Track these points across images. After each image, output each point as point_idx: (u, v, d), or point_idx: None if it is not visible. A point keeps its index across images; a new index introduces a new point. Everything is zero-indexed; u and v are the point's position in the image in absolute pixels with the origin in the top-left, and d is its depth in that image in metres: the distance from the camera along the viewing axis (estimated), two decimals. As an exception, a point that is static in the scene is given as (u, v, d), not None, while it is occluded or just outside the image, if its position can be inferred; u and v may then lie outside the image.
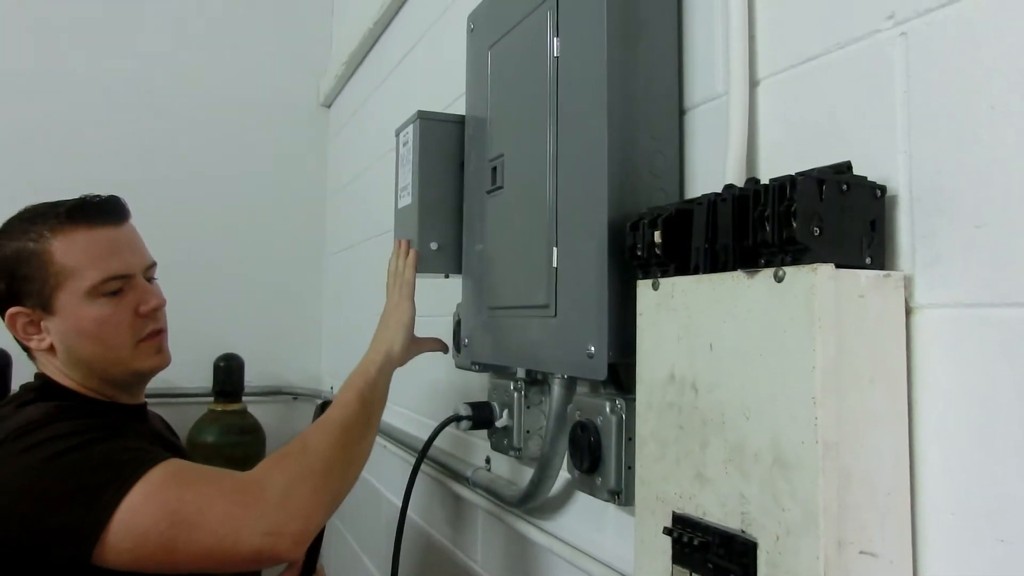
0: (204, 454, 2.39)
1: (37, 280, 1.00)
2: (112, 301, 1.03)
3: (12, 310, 1.02)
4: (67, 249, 1.01)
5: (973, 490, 0.53)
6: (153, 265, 1.12)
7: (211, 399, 2.52)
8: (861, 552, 0.52)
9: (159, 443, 1.08)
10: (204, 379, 2.52)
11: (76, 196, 1.07)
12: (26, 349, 1.07)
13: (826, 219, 0.57)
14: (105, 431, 0.93)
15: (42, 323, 1.02)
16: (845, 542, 0.51)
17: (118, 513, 0.83)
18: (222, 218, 2.69)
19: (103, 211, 1.06)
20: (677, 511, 0.65)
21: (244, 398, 2.56)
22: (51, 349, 1.03)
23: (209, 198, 2.67)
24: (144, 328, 1.06)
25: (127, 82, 2.59)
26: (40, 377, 1.07)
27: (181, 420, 2.43)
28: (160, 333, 1.09)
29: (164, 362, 1.10)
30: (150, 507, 0.84)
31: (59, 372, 1.05)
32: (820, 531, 0.51)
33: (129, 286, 1.05)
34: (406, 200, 1.22)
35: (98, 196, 1.08)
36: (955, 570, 0.54)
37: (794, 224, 0.56)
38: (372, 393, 1.05)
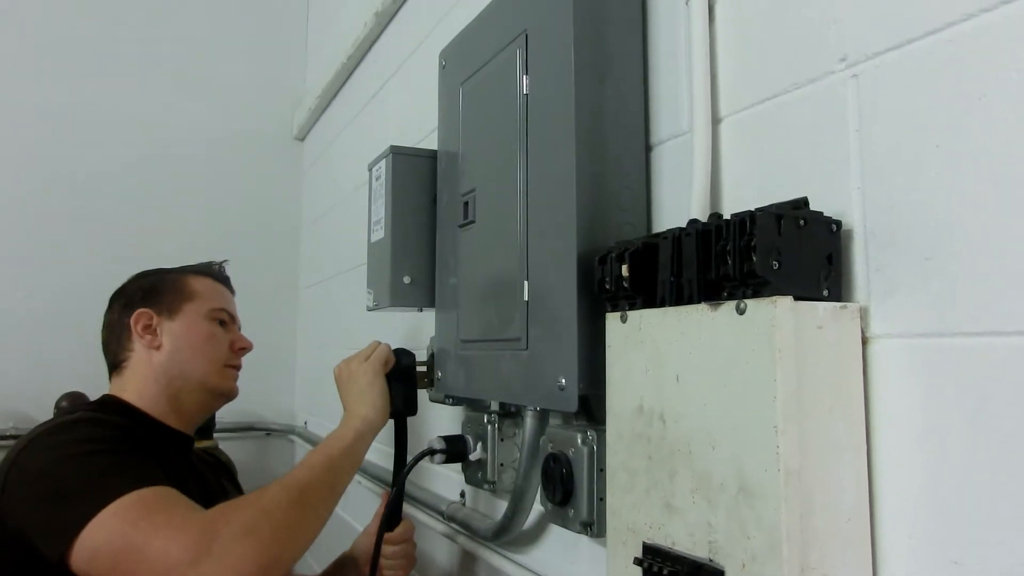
0: (174, 492, 2.35)
1: (171, 293, 1.26)
2: (219, 329, 1.27)
3: (140, 310, 1.23)
4: (198, 283, 1.30)
5: (928, 514, 0.54)
6: (240, 327, 1.38)
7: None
8: (824, 578, 0.53)
9: (192, 479, 1.19)
10: (175, 415, 2.48)
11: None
12: (119, 363, 1.23)
13: (785, 253, 0.59)
14: (123, 443, 1.03)
15: (159, 327, 1.23)
16: (808, 567, 0.53)
17: (90, 523, 0.88)
18: (195, 251, 2.64)
19: (224, 277, 1.38)
20: (647, 541, 0.66)
21: (216, 434, 2.53)
22: (158, 347, 1.22)
23: (182, 230, 2.66)
24: (233, 360, 1.29)
25: (100, 114, 2.58)
26: (104, 399, 1.22)
27: (151, 457, 2.39)
28: (239, 368, 1.31)
29: (235, 390, 1.30)
30: (111, 524, 0.88)
31: (138, 381, 1.20)
32: (784, 558, 0.52)
33: (231, 326, 1.32)
34: (379, 234, 1.23)
35: (223, 266, 1.41)
36: (914, 593, 0.55)
37: (754, 258, 0.58)
38: (344, 460, 1.04)
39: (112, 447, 1.00)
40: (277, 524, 0.90)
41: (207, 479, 1.28)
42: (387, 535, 1.20)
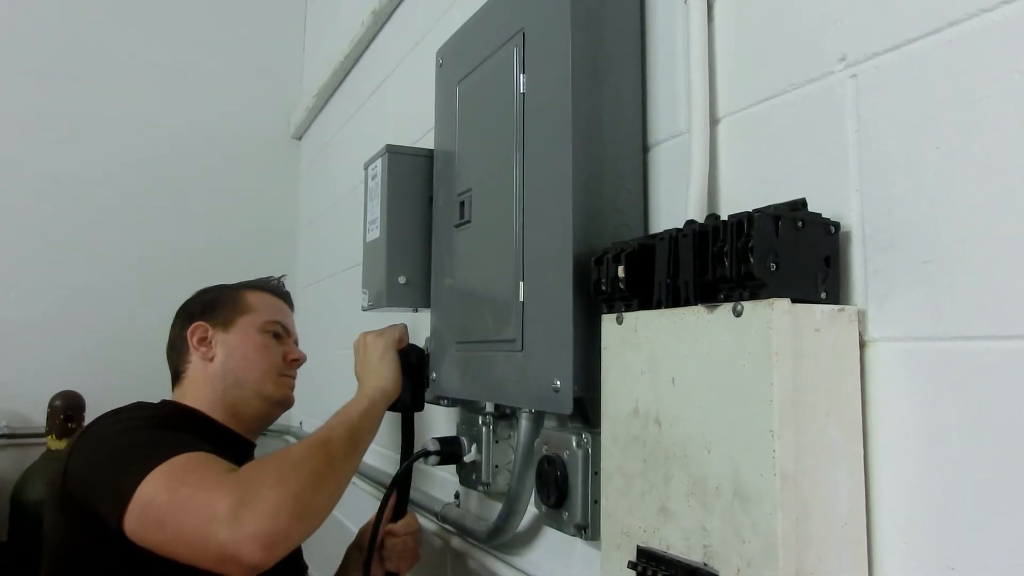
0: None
1: (228, 307, 1.31)
2: (273, 341, 1.31)
3: (196, 323, 1.28)
4: (255, 297, 1.34)
5: (924, 519, 0.54)
6: (297, 342, 1.41)
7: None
8: (820, 584, 0.53)
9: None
10: (170, 414, 2.47)
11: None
12: (179, 373, 1.29)
13: (782, 255, 0.58)
14: (173, 424, 1.11)
15: (214, 339, 1.27)
16: (804, 573, 0.52)
17: (143, 482, 0.92)
18: (192, 251, 2.66)
19: (283, 292, 1.43)
20: (642, 545, 0.65)
21: (211, 433, 2.52)
22: (211, 359, 1.26)
23: (180, 231, 2.65)
24: (286, 370, 1.32)
25: (96, 115, 2.58)
26: (164, 401, 1.26)
27: (145, 457, 2.38)
28: (294, 379, 1.35)
29: (291, 400, 1.33)
30: (161, 480, 0.92)
31: (197, 389, 1.25)
32: (779, 563, 0.51)
33: (286, 339, 1.35)
34: (374, 234, 1.22)
35: (282, 281, 1.46)
36: (910, 599, 0.54)
37: (752, 260, 0.57)
38: (362, 421, 1.08)
39: (163, 424, 1.09)
40: (306, 473, 0.94)
41: None
42: (391, 526, 1.21)
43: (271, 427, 2.75)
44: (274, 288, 1.41)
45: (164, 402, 1.26)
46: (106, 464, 0.99)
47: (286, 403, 1.32)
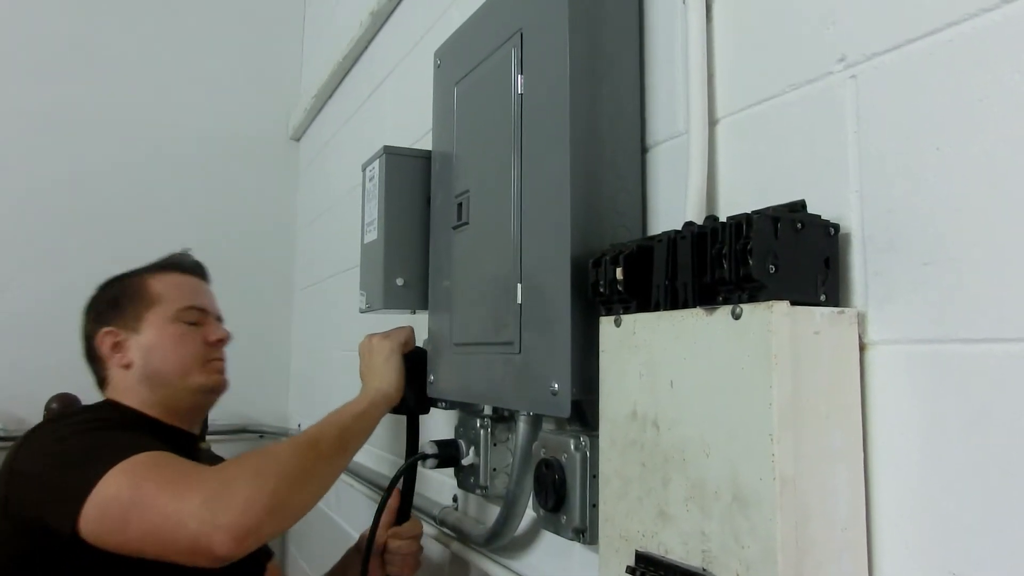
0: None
1: (134, 302, 1.23)
2: (190, 328, 1.24)
3: (105, 329, 1.21)
4: (161, 283, 1.25)
5: (925, 523, 0.53)
6: (222, 319, 1.34)
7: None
8: (819, 589, 0.52)
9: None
10: (167, 417, 2.46)
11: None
12: (102, 377, 1.24)
13: (781, 257, 0.57)
14: (123, 425, 1.10)
15: (127, 342, 1.21)
16: (804, 579, 0.52)
17: (97, 484, 0.91)
18: (191, 252, 2.65)
19: (192, 266, 1.33)
20: (640, 549, 0.64)
21: (208, 437, 2.50)
22: (128, 366, 1.20)
23: (177, 231, 2.62)
24: (211, 354, 1.26)
25: (93, 115, 2.57)
26: (104, 401, 1.22)
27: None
28: (222, 360, 1.28)
29: (224, 384, 1.28)
30: (120, 479, 0.91)
31: (126, 391, 1.20)
32: (779, 568, 0.51)
33: (204, 321, 1.27)
34: (372, 235, 1.21)
35: (190, 253, 1.36)
36: (912, 606, 0.54)
37: (750, 262, 0.57)
38: (356, 423, 1.06)
39: (112, 425, 1.06)
40: (286, 469, 0.93)
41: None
42: (395, 529, 1.20)
43: (269, 429, 2.78)
44: (181, 264, 1.32)
45: (106, 402, 1.22)
46: (54, 469, 0.97)
47: (218, 389, 1.27)
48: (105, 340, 1.21)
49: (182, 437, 1.22)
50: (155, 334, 1.21)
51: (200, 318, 1.26)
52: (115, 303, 1.24)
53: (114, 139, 2.59)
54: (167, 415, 1.21)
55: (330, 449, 1.00)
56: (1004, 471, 0.49)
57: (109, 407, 1.20)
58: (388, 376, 1.13)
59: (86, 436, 1.01)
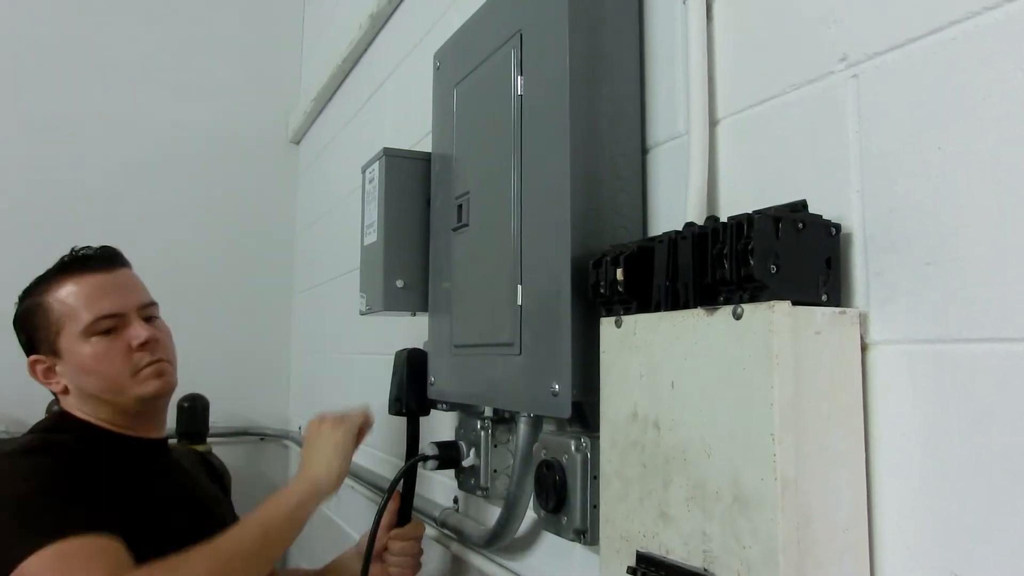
0: (166, 496, 2.33)
1: (43, 329, 1.13)
2: (106, 339, 1.12)
3: (32, 358, 1.16)
4: (62, 298, 1.13)
5: (927, 523, 0.53)
6: (151, 304, 1.21)
7: (175, 440, 2.46)
8: (822, 590, 0.52)
9: (160, 481, 1.16)
10: (168, 420, 2.46)
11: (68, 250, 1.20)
12: (55, 395, 1.18)
13: (783, 257, 0.57)
14: (71, 477, 1.00)
15: (55, 368, 1.14)
16: (805, 580, 0.51)
17: (32, 557, 0.88)
18: (189, 255, 2.66)
19: (90, 261, 1.17)
20: (641, 550, 0.64)
21: (209, 439, 2.51)
22: (66, 391, 1.14)
23: (177, 234, 2.64)
24: (140, 361, 1.14)
25: (93, 117, 2.57)
26: (59, 412, 1.17)
27: (143, 462, 2.37)
28: (159, 362, 1.16)
29: (166, 386, 1.17)
30: (50, 562, 0.88)
31: (77, 408, 1.14)
32: (780, 568, 0.51)
33: (123, 324, 1.14)
34: (372, 237, 1.21)
35: (87, 248, 1.19)
36: (914, 606, 0.54)
37: (751, 262, 0.57)
38: (282, 526, 1.02)
39: (55, 485, 0.97)
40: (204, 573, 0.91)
41: (179, 481, 1.23)
42: (396, 531, 1.19)
43: (269, 431, 2.78)
44: (73, 266, 1.16)
45: (61, 416, 1.16)
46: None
47: (159, 395, 1.16)
48: (36, 368, 1.16)
49: (145, 448, 1.17)
50: (76, 360, 1.12)
51: (116, 324, 1.14)
52: (30, 330, 1.16)
53: (114, 141, 2.59)
54: (123, 426, 1.15)
55: (248, 565, 0.97)
56: (1006, 471, 0.49)
57: (64, 424, 1.14)
58: (330, 462, 1.07)
59: (36, 498, 0.95)
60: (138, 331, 1.14)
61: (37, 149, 2.49)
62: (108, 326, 1.12)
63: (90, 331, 1.11)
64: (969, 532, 0.50)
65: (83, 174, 2.54)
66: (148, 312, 1.20)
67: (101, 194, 2.55)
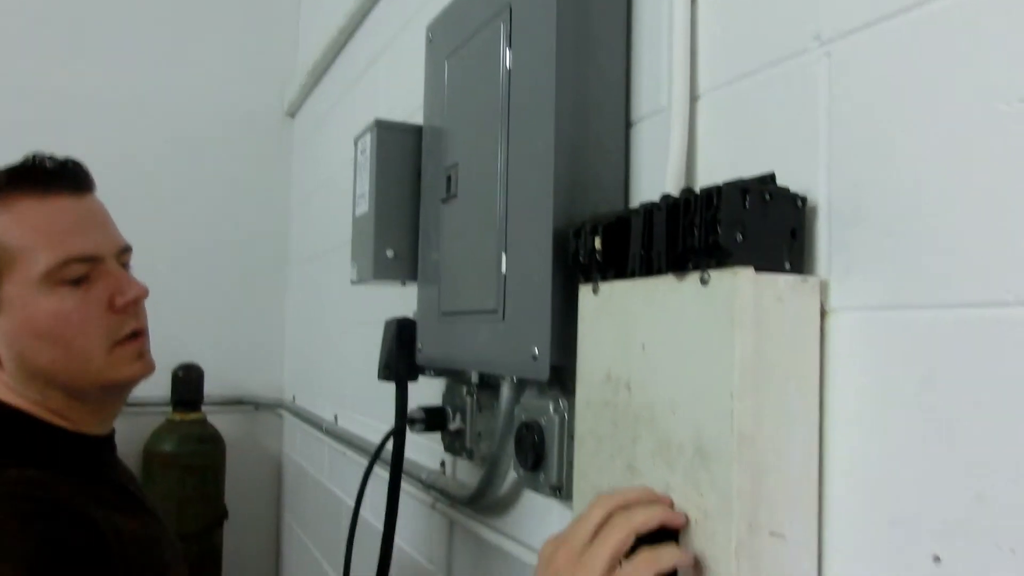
0: (161, 463, 2.38)
1: None
2: (77, 292, 0.81)
3: None
4: (12, 224, 0.80)
5: (872, 478, 0.57)
6: (128, 250, 0.91)
7: (169, 409, 2.50)
8: (771, 534, 0.55)
9: (120, 492, 0.89)
10: (162, 388, 2.49)
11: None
12: None
13: (749, 226, 0.60)
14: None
15: None
16: (756, 525, 0.55)
17: None
18: (184, 226, 2.68)
19: (59, 176, 0.86)
20: (611, 504, 0.68)
21: (204, 408, 2.55)
22: None
23: (171, 206, 2.66)
24: (121, 328, 0.84)
25: (84, 91, 2.56)
26: None
27: (138, 429, 2.41)
28: (142, 335, 0.88)
29: (147, 370, 0.88)
30: None
31: (7, 389, 0.82)
32: (734, 514, 0.54)
33: (98, 273, 0.84)
34: (363, 208, 1.24)
35: (51, 156, 0.88)
36: (854, 547, 0.58)
37: (719, 230, 0.60)
38: None
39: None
40: None
41: (128, 487, 0.93)
42: None
43: (264, 401, 2.82)
44: (41, 181, 0.84)
45: None
46: None
47: (141, 378, 0.88)
48: None
49: (88, 447, 0.87)
50: (22, 314, 0.79)
51: (89, 271, 0.82)
52: None
53: (105, 115, 2.58)
54: (67, 417, 0.85)
55: None
56: (943, 430, 0.52)
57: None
58: None
59: None
60: (125, 283, 0.85)
61: (24, 124, 2.48)
62: (80, 273, 0.81)
63: (55, 278, 0.80)
64: (907, 483, 0.54)
65: (75, 149, 2.53)
66: (126, 259, 0.91)
67: (94, 168, 2.55)
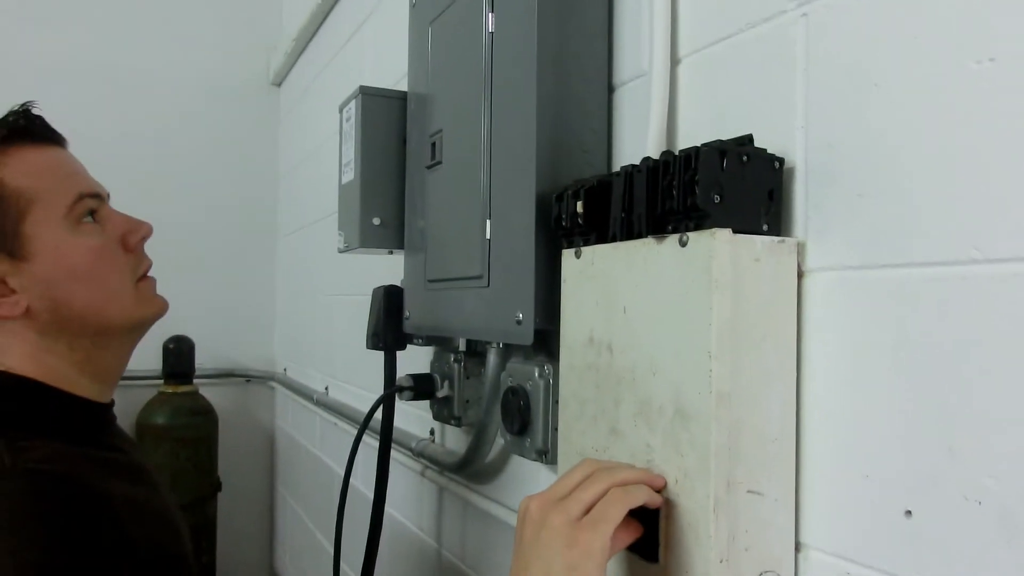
0: (154, 436, 2.39)
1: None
2: (98, 229, 0.83)
3: None
4: (20, 171, 0.81)
5: (847, 436, 0.58)
6: (108, 196, 0.91)
7: (161, 381, 2.50)
8: (749, 491, 0.57)
9: (116, 457, 0.87)
10: (154, 361, 2.50)
11: None
12: None
13: (726, 188, 0.60)
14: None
15: (10, 280, 0.79)
16: (734, 482, 0.56)
17: None
18: (171, 198, 2.65)
19: (46, 129, 0.88)
20: (594, 464, 0.69)
21: (195, 380, 2.56)
22: (27, 314, 0.80)
23: (157, 178, 2.64)
24: (140, 265, 0.88)
25: (65, 61, 2.52)
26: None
27: (131, 402, 2.42)
28: (148, 271, 0.91)
29: (166, 306, 0.91)
30: None
31: (25, 355, 0.82)
32: (712, 473, 0.55)
33: (103, 214, 0.85)
34: (349, 176, 1.23)
35: (24, 114, 0.87)
36: (829, 503, 0.59)
37: (697, 192, 0.60)
38: None
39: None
40: None
41: (132, 457, 0.93)
42: None
43: (255, 373, 2.82)
44: (34, 133, 0.85)
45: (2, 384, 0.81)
46: None
47: (161, 315, 0.90)
48: None
49: (92, 413, 0.87)
50: (55, 255, 0.79)
51: (98, 207, 0.85)
52: None
53: (87, 86, 2.54)
54: (78, 380, 0.84)
55: None
56: (915, 387, 0.53)
57: (4, 391, 0.81)
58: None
59: None
60: (134, 221, 0.87)
61: (10, 95, 2.45)
62: (92, 207, 0.83)
63: (75, 215, 0.81)
64: (880, 439, 0.55)
65: (60, 121, 2.51)
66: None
67: (78, 139, 2.52)
